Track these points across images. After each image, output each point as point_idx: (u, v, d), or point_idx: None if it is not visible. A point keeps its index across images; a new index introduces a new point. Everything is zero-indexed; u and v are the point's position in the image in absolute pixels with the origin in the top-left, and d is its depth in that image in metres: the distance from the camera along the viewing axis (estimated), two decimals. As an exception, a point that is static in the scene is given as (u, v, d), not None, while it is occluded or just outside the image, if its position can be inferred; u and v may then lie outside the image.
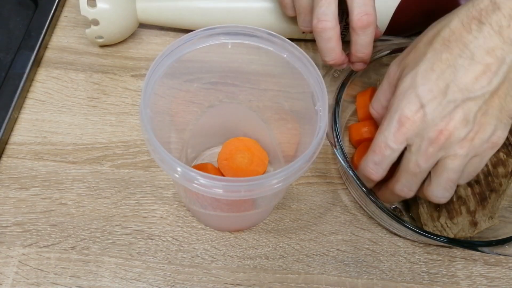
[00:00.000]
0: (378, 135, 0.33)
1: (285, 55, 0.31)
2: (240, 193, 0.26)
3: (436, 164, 0.32)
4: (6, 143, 0.41)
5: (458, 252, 0.39)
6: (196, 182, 0.26)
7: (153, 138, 0.27)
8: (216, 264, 0.37)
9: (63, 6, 0.50)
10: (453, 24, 0.30)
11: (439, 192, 0.33)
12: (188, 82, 0.35)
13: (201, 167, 0.39)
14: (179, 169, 0.26)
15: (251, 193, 0.26)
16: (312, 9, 0.37)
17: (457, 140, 0.31)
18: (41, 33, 0.46)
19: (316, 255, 0.38)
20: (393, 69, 0.35)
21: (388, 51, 0.43)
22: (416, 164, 0.32)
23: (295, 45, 0.31)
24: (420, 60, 0.31)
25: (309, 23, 0.39)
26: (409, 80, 0.32)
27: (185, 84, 0.35)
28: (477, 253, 0.39)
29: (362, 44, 0.37)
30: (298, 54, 0.31)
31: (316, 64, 0.30)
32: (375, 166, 0.34)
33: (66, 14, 0.50)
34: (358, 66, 0.40)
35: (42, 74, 0.45)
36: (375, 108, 0.37)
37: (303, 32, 0.48)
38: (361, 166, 0.35)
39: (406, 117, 0.31)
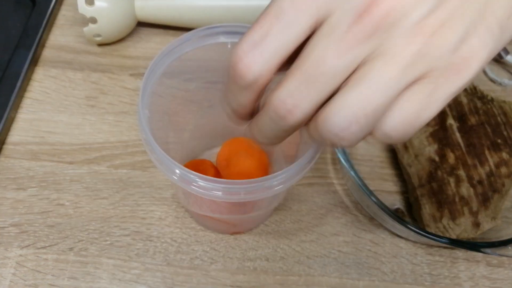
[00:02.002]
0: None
1: None
2: (240, 195, 0.26)
3: (355, 71, 0.18)
4: (3, 143, 0.40)
5: (460, 253, 0.38)
6: (194, 184, 0.25)
7: (151, 139, 0.26)
8: (216, 266, 0.36)
9: (60, 4, 0.49)
10: None
11: (340, 119, 0.18)
12: (187, 81, 0.34)
13: (199, 163, 0.38)
14: (177, 171, 0.26)
15: (251, 196, 0.26)
16: None
17: (405, 24, 0.17)
18: (38, 32, 0.45)
19: (317, 256, 0.37)
20: None
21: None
22: (321, 59, 0.17)
23: None
24: None
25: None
26: None
27: (184, 83, 0.34)
28: (480, 254, 0.38)
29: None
30: None
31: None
32: (251, 49, 0.18)
33: (64, 13, 0.49)
34: None
35: (39, 73, 0.45)
36: None
37: None
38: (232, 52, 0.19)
39: None
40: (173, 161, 0.26)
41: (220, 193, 0.25)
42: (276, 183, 0.26)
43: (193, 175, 0.25)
